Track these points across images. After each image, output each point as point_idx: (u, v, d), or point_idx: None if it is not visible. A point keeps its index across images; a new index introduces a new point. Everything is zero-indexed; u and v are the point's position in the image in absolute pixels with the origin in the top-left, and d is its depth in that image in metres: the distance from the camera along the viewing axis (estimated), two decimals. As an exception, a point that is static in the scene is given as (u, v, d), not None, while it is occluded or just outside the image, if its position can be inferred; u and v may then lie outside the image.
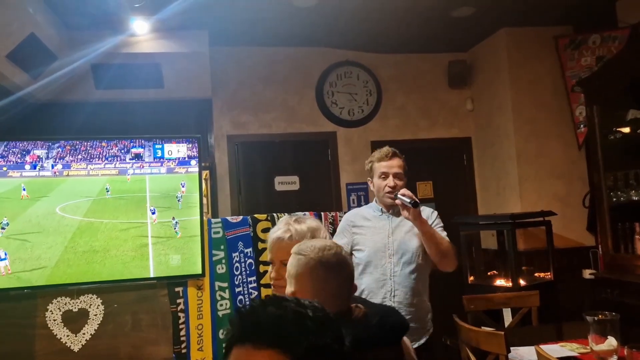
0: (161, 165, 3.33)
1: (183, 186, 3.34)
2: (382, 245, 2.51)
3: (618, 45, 3.99)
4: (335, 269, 1.39)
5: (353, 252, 2.55)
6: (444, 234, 2.54)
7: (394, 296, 2.42)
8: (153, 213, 3.26)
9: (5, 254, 2.97)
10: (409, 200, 2.34)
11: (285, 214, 3.52)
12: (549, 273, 3.96)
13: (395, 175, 2.54)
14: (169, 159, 3.36)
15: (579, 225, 4.31)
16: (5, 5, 2.92)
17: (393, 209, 2.56)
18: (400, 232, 2.52)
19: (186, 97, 4.36)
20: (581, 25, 4.34)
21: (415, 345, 2.40)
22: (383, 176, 2.55)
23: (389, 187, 2.52)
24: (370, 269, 2.47)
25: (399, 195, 2.40)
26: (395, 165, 2.56)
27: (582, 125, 4.21)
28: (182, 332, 3.23)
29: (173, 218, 3.28)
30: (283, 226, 1.73)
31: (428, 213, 2.60)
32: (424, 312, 2.54)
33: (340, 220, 3.80)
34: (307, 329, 0.81)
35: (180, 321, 3.24)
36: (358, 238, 2.57)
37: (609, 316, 2.03)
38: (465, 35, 4.56)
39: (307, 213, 3.62)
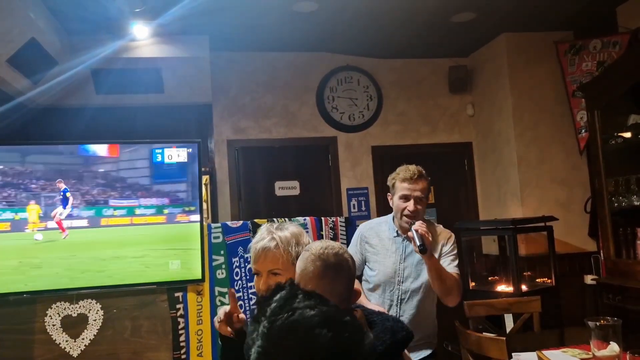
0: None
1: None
2: (392, 271, 2.45)
3: (619, 50, 4.00)
4: (333, 267, 1.43)
5: (366, 265, 2.54)
6: (454, 264, 2.43)
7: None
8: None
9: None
10: (419, 243, 2.20)
11: (286, 219, 3.52)
12: (550, 278, 3.95)
13: (417, 200, 2.39)
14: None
15: (580, 231, 4.30)
16: (6, 10, 2.93)
17: (403, 235, 2.48)
18: (412, 259, 2.45)
19: (186, 102, 4.37)
20: (582, 31, 4.34)
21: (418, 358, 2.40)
22: (404, 198, 2.40)
23: (408, 210, 2.38)
24: (379, 291, 2.48)
25: (412, 229, 2.26)
26: (418, 188, 2.39)
27: (583, 130, 4.20)
28: (182, 338, 3.22)
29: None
30: (267, 235, 1.66)
31: (445, 238, 2.48)
32: (429, 330, 2.54)
33: (340, 226, 3.80)
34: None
35: (180, 326, 3.23)
36: (370, 256, 2.52)
37: (611, 321, 2.01)
38: (466, 41, 4.57)
39: (307, 218, 3.62)
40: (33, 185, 3.21)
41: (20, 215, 3.14)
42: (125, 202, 3.35)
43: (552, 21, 4.23)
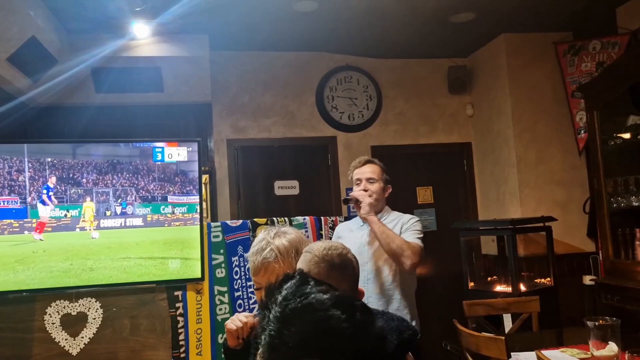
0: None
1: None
2: (357, 254, 2.52)
3: (618, 51, 4.00)
4: (338, 268, 1.43)
5: None
6: (414, 235, 2.53)
7: (368, 303, 2.43)
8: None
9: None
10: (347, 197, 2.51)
11: (285, 218, 3.52)
12: (549, 279, 3.96)
13: (368, 180, 2.59)
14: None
15: (579, 231, 4.30)
16: (6, 9, 2.93)
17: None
18: (376, 242, 2.54)
19: (186, 101, 4.37)
20: (581, 31, 4.35)
21: None
22: (357, 182, 2.64)
23: (363, 189, 2.59)
24: None
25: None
26: (367, 171, 2.63)
27: (582, 131, 4.21)
28: (181, 337, 3.22)
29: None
30: (265, 245, 1.64)
31: (406, 219, 2.62)
32: (399, 313, 2.55)
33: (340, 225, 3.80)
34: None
35: (179, 325, 3.23)
36: None
37: (610, 321, 2.02)
38: (465, 41, 4.57)
39: (306, 218, 3.62)
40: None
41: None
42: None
43: (551, 22, 4.24)
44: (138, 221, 3.29)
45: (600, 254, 3.78)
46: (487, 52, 4.69)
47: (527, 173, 4.35)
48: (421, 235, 2.55)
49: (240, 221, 3.48)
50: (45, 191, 3.14)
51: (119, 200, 3.29)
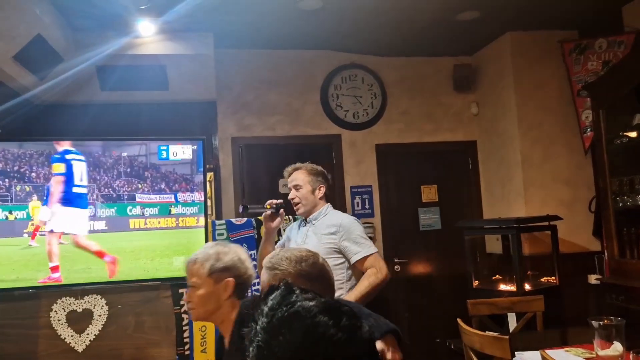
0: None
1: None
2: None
3: (624, 50, 3.98)
4: (317, 279, 1.37)
5: None
6: (366, 249, 2.58)
7: None
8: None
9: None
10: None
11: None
12: (554, 278, 3.95)
13: (295, 188, 2.72)
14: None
15: (584, 230, 4.29)
16: (12, 7, 2.94)
17: (306, 219, 2.74)
18: (312, 239, 2.63)
19: (191, 99, 4.37)
20: (587, 30, 4.32)
21: None
22: (289, 191, 2.76)
23: (290, 198, 2.73)
24: None
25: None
26: (294, 179, 2.74)
27: (588, 130, 4.19)
28: (186, 334, 3.23)
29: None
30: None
31: (346, 226, 2.61)
32: None
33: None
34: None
35: (184, 323, 3.24)
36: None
37: (615, 321, 2.02)
38: (470, 39, 4.56)
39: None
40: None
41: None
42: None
43: (557, 20, 4.22)
44: (142, 223, 3.30)
45: (606, 254, 3.76)
46: (492, 50, 4.67)
47: (533, 172, 4.33)
48: (369, 242, 2.60)
49: (245, 219, 3.48)
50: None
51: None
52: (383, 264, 2.59)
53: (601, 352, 2.01)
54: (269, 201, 2.67)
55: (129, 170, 3.41)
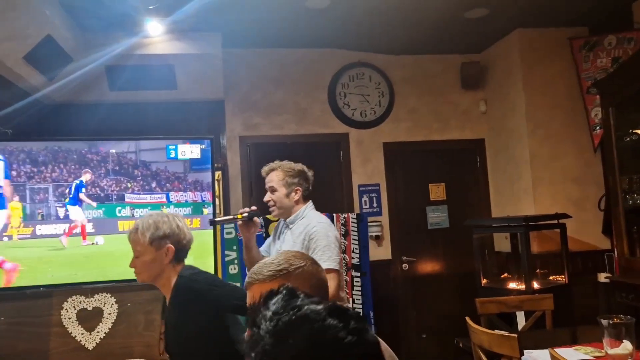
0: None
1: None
2: (272, 251, 2.65)
3: (634, 46, 3.95)
4: (317, 288, 1.35)
5: None
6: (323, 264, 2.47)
7: None
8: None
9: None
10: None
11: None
12: (563, 276, 3.93)
13: (270, 190, 2.59)
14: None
15: (594, 229, 4.26)
16: (22, 8, 2.97)
17: (285, 221, 2.62)
18: (289, 243, 2.53)
19: (199, 99, 4.39)
20: (596, 27, 4.30)
21: None
22: (266, 191, 2.64)
23: (265, 201, 2.60)
24: None
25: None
26: (269, 180, 2.61)
27: (597, 127, 4.17)
28: (194, 332, 3.25)
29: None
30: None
31: (310, 232, 2.44)
32: None
33: (351, 222, 3.82)
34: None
35: (193, 321, 3.25)
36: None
37: (624, 320, 2.01)
38: (479, 37, 4.54)
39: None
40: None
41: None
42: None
43: (566, 17, 4.19)
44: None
45: (616, 252, 3.74)
46: (501, 47, 4.65)
47: (541, 170, 4.31)
48: (333, 256, 2.37)
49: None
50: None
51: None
52: (335, 285, 2.32)
53: (611, 351, 2.00)
54: (241, 210, 2.54)
55: (117, 168, 3.42)
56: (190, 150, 3.40)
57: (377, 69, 4.83)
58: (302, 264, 1.36)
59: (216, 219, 2.57)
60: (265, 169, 2.65)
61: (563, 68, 4.35)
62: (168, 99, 4.31)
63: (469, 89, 4.93)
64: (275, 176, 2.60)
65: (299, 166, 2.66)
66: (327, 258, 2.35)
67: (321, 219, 2.55)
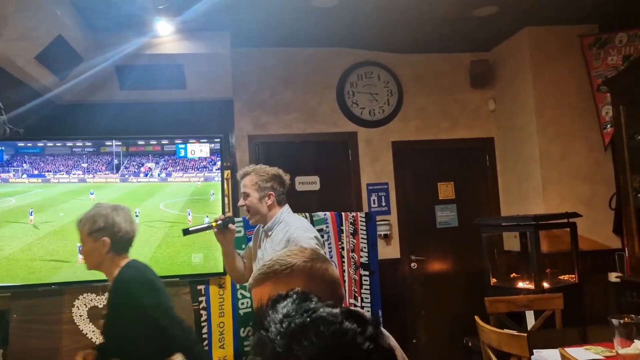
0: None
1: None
2: (256, 259, 2.60)
3: (645, 44, 3.92)
4: (329, 288, 1.33)
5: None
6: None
7: None
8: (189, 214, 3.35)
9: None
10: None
11: (306, 213, 3.54)
12: (573, 276, 3.90)
13: (244, 195, 2.54)
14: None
15: (604, 228, 4.23)
16: (34, 8, 3.00)
17: (262, 228, 2.57)
18: (269, 252, 2.47)
19: (208, 98, 4.41)
20: (607, 24, 4.26)
21: None
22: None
23: (240, 205, 2.57)
24: None
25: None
26: (243, 184, 2.56)
27: (608, 126, 4.14)
28: (204, 330, 3.27)
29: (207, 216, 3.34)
30: None
31: (292, 238, 2.39)
32: None
33: (360, 221, 3.82)
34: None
35: (202, 319, 3.28)
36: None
37: (635, 319, 2.00)
38: (488, 35, 4.52)
39: (327, 213, 3.64)
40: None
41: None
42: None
43: (576, 14, 4.16)
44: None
45: (626, 251, 3.71)
46: (510, 45, 4.63)
47: (551, 169, 4.29)
48: None
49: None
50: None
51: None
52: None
53: (621, 351, 1.99)
54: (215, 217, 2.51)
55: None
56: (199, 149, 3.42)
57: (385, 68, 4.82)
58: (292, 263, 1.31)
59: (190, 229, 2.49)
60: (239, 173, 2.60)
61: (573, 66, 4.32)
62: (177, 99, 4.33)
63: (478, 88, 4.91)
64: (249, 181, 2.53)
65: (274, 170, 2.59)
66: None
67: (299, 222, 2.52)
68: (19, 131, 3.29)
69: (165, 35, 3.91)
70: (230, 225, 2.46)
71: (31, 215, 3.15)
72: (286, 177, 2.61)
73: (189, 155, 3.42)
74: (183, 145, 3.42)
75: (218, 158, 3.47)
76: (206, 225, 2.48)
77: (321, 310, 0.82)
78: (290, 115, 4.66)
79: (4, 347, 3.02)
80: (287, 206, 2.58)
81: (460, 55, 4.88)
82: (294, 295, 0.88)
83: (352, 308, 0.86)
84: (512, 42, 4.59)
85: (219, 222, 2.44)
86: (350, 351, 0.77)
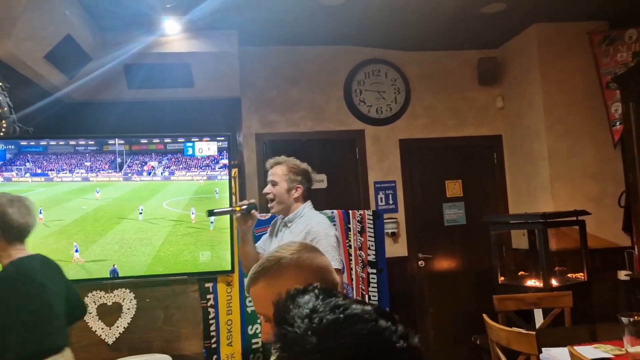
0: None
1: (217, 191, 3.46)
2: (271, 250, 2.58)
3: (655, 40, 3.89)
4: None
5: None
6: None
7: None
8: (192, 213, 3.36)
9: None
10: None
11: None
12: (582, 274, 3.88)
13: (272, 183, 2.57)
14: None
15: (614, 225, 4.20)
16: (43, 8, 3.02)
17: (283, 219, 2.60)
18: (289, 237, 2.49)
19: (215, 97, 4.42)
20: (617, 21, 4.22)
21: None
22: (268, 183, 2.62)
23: (265, 192, 2.59)
24: None
25: None
26: (272, 173, 2.59)
27: (617, 123, 4.10)
28: (212, 327, 3.29)
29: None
30: None
31: (313, 232, 2.41)
32: None
33: (367, 219, 3.82)
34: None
35: (210, 316, 3.30)
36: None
37: (645, 317, 1.98)
38: (496, 32, 4.50)
39: (334, 211, 3.64)
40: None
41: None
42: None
43: (585, 11, 4.13)
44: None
45: (636, 249, 3.69)
46: (518, 43, 4.60)
47: (560, 166, 4.26)
48: (336, 256, 2.36)
49: (269, 214, 3.51)
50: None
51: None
52: (339, 283, 2.39)
53: (631, 349, 1.97)
54: (240, 202, 2.55)
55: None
56: (207, 147, 3.43)
57: (392, 66, 4.81)
58: (280, 257, 1.30)
59: (215, 210, 2.56)
60: (270, 161, 2.63)
61: (582, 63, 4.29)
62: (185, 97, 4.35)
63: (485, 85, 4.89)
64: (280, 170, 2.58)
65: (304, 165, 2.63)
66: (331, 258, 2.24)
67: (321, 218, 2.53)
68: (28, 130, 3.32)
69: (172, 34, 3.93)
70: (253, 211, 2.50)
71: (40, 214, 3.17)
72: (313, 175, 2.65)
73: (197, 154, 3.44)
74: (191, 144, 3.43)
75: (221, 157, 3.48)
76: (231, 208, 2.58)
77: (353, 306, 0.80)
78: (297, 113, 4.67)
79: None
80: (309, 202, 2.62)
81: (468, 52, 4.86)
82: (316, 290, 0.86)
83: (380, 306, 0.85)
84: (520, 39, 4.56)
85: (244, 207, 2.49)
86: (386, 350, 0.76)
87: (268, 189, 2.57)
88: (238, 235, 3.36)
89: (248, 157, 4.55)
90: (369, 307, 0.81)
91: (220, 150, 3.47)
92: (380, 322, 0.77)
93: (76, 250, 3.17)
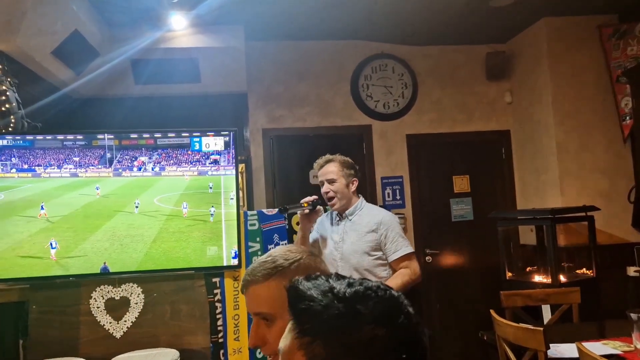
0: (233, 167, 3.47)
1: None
2: (331, 250, 2.68)
3: (667, 34, 3.84)
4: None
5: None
6: (403, 248, 2.61)
7: None
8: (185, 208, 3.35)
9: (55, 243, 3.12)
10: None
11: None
12: (590, 270, 3.86)
13: (329, 182, 2.68)
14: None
15: (623, 221, 4.17)
16: (51, 4, 3.02)
17: (342, 213, 2.70)
18: (352, 236, 2.62)
19: (222, 92, 4.43)
20: (627, 14, 4.17)
21: None
22: (321, 183, 2.73)
23: (324, 192, 2.68)
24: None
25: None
26: (327, 171, 2.69)
27: (627, 117, 4.06)
28: (219, 322, 3.30)
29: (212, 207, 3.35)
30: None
31: (386, 223, 2.63)
32: None
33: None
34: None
35: (217, 311, 3.31)
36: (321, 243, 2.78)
37: (655, 314, 1.97)
38: (504, 26, 4.46)
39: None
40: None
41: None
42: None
43: (595, 4, 4.08)
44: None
45: (646, 245, 3.65)
46: (527, 37, 4.56)
47: (569, 161, 4.23)
48: (407, 241, 2.63)
49: (276, 210, 3.52)
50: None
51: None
52: (417, 265, 2.61)
53: (640, 346, 1.96)
54: (306, 199, 2.63)
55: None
56: (214, 143, 3.43)
57: (400, 60, 4.79)
58: (298, 257, 1.30)
59: (288, 207, 2.66)
60: (319, 161, 2.75)
61: (591, 57, 4.25)
62: (192, 92, 4.35)
63: (494, 80, 4.85)
64: (333, 167, 2.69)
65: (350, 160, 2.76)
66: (407, 244, 2.60)
67: (382, 210, 2.70)
68: (37, 125, 3.33)
69: (179, 29, 3.93)
70: (318, 207, 2.64)
71: (42, 209, 3.18)
72: (358, 168, 2.80)
73: (204, 149, 3.43)
74: (197, 139, 3.43)
75: (212, 153, 3.46)
76: (299, 205, 2.65)
77: (366, 281, 0.86)
78: (304, 108, 4.66)
79: (24, 337, 3.08)
80: (362, 196, 2.76)
81: (476, 47, 4.82)
82: (325, 277, 0.87)
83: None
84: (529, 33, 4.52)
85: (310, 203, 2.62)
86: (405, 312, 0.85)
87: (327, 187, 2.66)
88: (246, 232, 3.38)
89: (255, 153, 4.55)
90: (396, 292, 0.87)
91: (226, 145, 3.47)
92: (391, 291, 0.86)
93: (52, 247, 3.13)
